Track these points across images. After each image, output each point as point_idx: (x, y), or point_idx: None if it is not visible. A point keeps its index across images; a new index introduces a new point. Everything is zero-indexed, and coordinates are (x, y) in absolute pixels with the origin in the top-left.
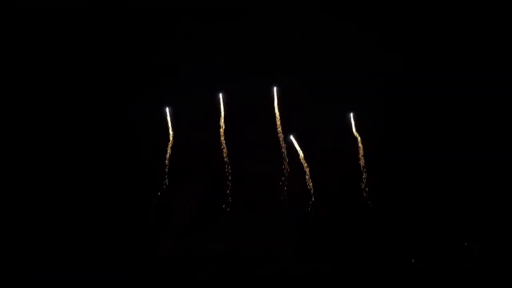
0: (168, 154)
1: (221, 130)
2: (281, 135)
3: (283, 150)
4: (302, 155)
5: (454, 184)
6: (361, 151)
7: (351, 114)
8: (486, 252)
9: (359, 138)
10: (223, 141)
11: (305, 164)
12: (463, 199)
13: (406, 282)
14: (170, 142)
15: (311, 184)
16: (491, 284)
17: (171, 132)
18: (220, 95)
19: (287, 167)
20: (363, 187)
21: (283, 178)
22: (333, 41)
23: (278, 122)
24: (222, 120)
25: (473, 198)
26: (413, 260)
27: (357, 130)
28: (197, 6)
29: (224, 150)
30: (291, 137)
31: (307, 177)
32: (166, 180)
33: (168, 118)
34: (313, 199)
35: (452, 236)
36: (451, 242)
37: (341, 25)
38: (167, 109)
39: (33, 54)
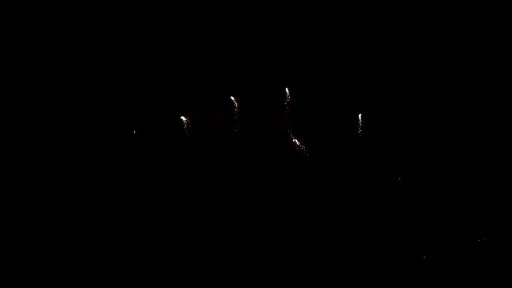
0: (178, 152)
1: (232, 128)
2: (290, 133)
3: (294, 144)
4: (308, 153)
5: (455, 182)
6: (365, 150)
7: (359, 115)
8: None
9: (362, 137)
10: (235, 137)
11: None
12: (465, 196)
13: (418, 279)
14: (183, 140)
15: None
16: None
17: (184, 129)
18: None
19: (296, 163)
20: (367, 184)
21: (291, 173)
22: (334, 41)
23: (287, 122)
24: (233, 119)
25: (475, 196)
26: (424, 257)
27: (360, 129)
28: (198, 6)
29: (235, 147)
30: (295, 140)
31: (314, 172)
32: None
33: (183, 118)
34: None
35: (462, 232)
36: (461, 238)
37: (341, 25)
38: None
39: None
